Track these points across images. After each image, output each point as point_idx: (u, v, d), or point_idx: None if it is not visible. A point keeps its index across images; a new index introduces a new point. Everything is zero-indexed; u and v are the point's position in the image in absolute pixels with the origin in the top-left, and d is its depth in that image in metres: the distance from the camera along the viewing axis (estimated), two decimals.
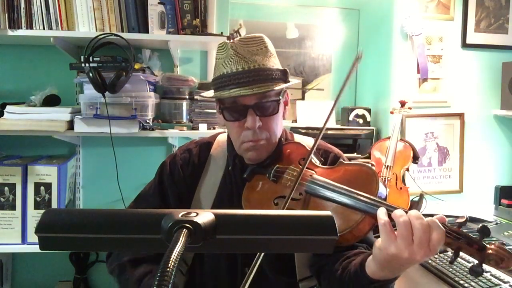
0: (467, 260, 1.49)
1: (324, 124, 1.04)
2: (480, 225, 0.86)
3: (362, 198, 0.96)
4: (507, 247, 1.64)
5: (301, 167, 1.10)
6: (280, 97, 1.13)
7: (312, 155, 1.12)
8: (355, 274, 0.98)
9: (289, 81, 1.14)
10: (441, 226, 0.85)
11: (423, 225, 0.84)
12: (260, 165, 1.16)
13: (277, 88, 1.08)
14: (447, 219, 0.90)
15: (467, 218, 0.88)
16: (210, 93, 1.19)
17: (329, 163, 1.21)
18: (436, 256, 1.54)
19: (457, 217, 2.13)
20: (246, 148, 1.13)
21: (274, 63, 1.12)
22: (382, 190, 1.00)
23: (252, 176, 1.16)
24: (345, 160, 1.21)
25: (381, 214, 0.90)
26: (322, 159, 1.19)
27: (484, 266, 0.84)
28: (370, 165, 1.05)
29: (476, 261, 0.84)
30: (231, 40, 1.12)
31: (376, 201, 0.95)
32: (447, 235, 0.86)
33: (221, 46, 1.12)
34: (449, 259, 0.89)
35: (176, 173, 1.23)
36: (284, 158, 1.17)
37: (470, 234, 0.86)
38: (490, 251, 0.82)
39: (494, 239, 1.72)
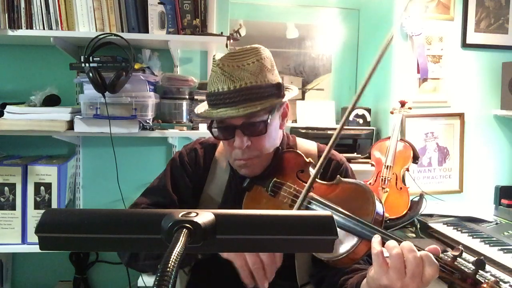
0: (467, 260, 1.49)
1: (335, 140, 1.00)
2: (476, 258, 0.85)
3: (359, 223, 0.96)
4: (506, 247, 1.64)
5: (298, 180, 1.11)
6: (271, 115, 1.09)
7: (310, 168, 1.12)
8: None
9: (283, 95, 1.10)
10: (435, 261, 0.85)
11: (416, 258, 0.84)
12: (259, 176, 1.15)
13: (263, 108, 1.04)
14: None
15: (462, 250, 0.87)
16: (201, 108, 1.17)
17: (331, 170, 1.20)
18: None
19: (457, 217, 2.12)
20: (238, 165, 1.14)
21: (267, 77, 1.07)
22: (379, 209, 1.00)
23: (252, 186, 1.15)
24: (347, 168, 1.22)
25: (375, 243, 0.89)
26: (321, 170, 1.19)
27: None
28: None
29: None
30: (218, 56, 1.08)
31: (373, 227, 0.95)
32: (441, 270, 0.85)
33: (214, 60, 1.08)
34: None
35: (187, 168, 1.22)
36: (282, 169, 1.16)
37: (463, 268, 0.85)
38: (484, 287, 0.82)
39: (494, 239, 1.72)
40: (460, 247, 0.88)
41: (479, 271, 0.84)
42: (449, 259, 0.87)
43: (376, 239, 0.90)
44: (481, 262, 0.84)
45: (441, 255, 0.87)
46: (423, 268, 0.84)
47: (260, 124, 1.08)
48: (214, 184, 1.21)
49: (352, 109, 1.02)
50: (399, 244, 0.87)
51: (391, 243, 0.88)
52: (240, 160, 1.11)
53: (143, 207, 1.17)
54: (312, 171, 1.12)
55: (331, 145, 0.98)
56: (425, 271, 0.84)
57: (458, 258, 0.86)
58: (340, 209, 1.00)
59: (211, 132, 1.13)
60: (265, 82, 1.06)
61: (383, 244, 0.89)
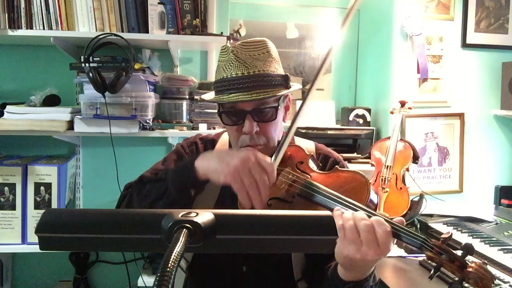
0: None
1: (297, 114, 1.03)
2: (464, 243, 0.86)
3: (350, 205, 0.97)
4: (506, 247, 1.64)
5: (296, 169, 1.12)
6: (279, 103, 1.13)
7: (310, 160, 1.13)
8: (331, 277, 1.01)
9: (290, 87, 1.14)
10: (385, 223, 0.87)
11: (367, 225, 0.86)
12: None
13: (276, 94, 1.08)
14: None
15: (451, 234, 0.88)
16: (210, 95, 1.19)
17: (328, 168, 1.21)
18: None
19: (457, 217, 2.13)
20: None
21: (276, 68, 1.12)
22: (373, 197, 1.02)
23: None
24: (344, 166, 1.23)
25: (337, 217, 0.91)
26: (320, 164, 1.20)
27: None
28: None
29: (456, 278, 0.85)
30: (232, 44, 1.11)
31: (364, 209, 0.96)
32: (429, 250, 0.86)
33: (223, 49, 1.12)
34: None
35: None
36: (282, 160, 1.18)
37: (453, 251, 0.86)
38: (470, 269, 0.82)
39: (494, 239, 1.72)
40: (450, 231, 0.90)
41: (467, 255, 0.85)
42: (439, 242, 0.88)
43: (337, 212, 0.91)
44: (469, 246, 0.85)
45: (433, 240, 0.88)
46: (375, 233, 0.86)
47: (270, 111, 1.11)
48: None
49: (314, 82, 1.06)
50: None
51: (346, 214, 0.90)
52: (247, 146, 1.12)
53: (150, 177, 1.16)
54: (312, 163, 1.14)
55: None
56: (377, 235, 0.86)
57: (447, 242, 0.88)
58: (332, 191, 1.02)
59: (220, 117, 1.14)
60: (274, 72, 1.11)
61: None
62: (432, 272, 0.87)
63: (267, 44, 1.12)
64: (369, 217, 0.90)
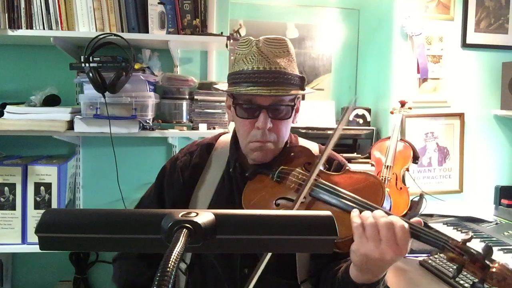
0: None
1: (334, 133, 1.03)
2: (484, 244, 0.87)
3: (366, 206, 0.96)
4: (506, 247, 1.64)
5: (305, 170, 1.12)
6: (295, 103, 1.13)
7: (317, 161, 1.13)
8: (342, 279, 1.00)
9: (305, 89, 1.15)
10: (403, 221, 0.88)
11: (386, 222, 0.87)
12: (264, 165, 1.16)
13: (294, 93, 1.09)
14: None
15: (472, 235, 0.88)
16: (224, 86, 1.19)
17: (333, 170, 1.20)
18: (436, 256, 1.54)
19: (457, 217, 2.13)
20: (252, 147, 1.14)
21: (294, 68, 1.13)
22: (387, 201, 1.01)
23: (255, 175, 1.16)
24: (350, 168, 1.22)
25: (354, 217, 0.91)
26: (326, 165, 1.20)
27: None
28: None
29: (477, 279, 0.85)
30: (255, 38, 1.12)
31: (379, 209, 0.94)
32: (451, 251, 0.86)
33: (245, 41, 1.12)
34: (451, 274, 0.89)
35: (175, 177, 1.24)
36: (288, 160, 1.17)
37: (473, 251, 0.86)
38: (493, 270, 0.83)
39: (494, 239, 1.72)
40: (470, 232, 0.90)
41: (487, 256, 0.85)
42: (460, 243, 0.88)
43: (355, 213, 0.92)
44: (489, 248, 0.86)
45: (450, 241, 0.88)
46: (395, 231, 0.87)
47: (285, 109, 1.12)
48: (206, 182, 1.22)
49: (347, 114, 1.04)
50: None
51: (366, 213, 0.90)
52: (257, 141, 1.12)
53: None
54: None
55: (331, 140, 1.02)
56: (396, 233, 0.86)
57: (467, 243, 0.88)
58: (346, 191, 1.01)
59: (235, 109, 1.14)
60: (293, 72, 1.11)
61: None
62: (455, 272, 0.87)
63: (287, 43, 1.13)
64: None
